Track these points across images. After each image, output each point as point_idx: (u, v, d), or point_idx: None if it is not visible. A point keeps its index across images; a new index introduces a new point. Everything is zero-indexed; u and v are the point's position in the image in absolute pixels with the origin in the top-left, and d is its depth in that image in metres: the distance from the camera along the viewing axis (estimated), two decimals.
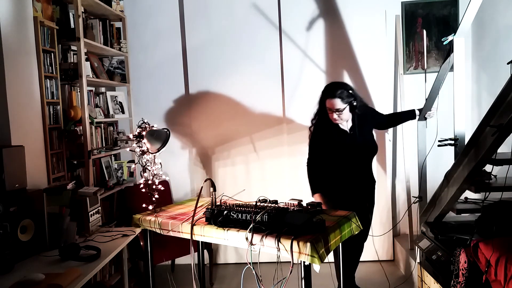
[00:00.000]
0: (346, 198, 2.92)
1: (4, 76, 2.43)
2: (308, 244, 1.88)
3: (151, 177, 2.64)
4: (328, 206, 2.81)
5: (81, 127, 3.14)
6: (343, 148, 2.93)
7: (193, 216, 2.34)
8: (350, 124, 2.97)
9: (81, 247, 2.25)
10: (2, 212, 2.11)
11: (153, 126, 2.65)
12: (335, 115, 2.85)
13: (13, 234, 2.15)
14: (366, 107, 3.08)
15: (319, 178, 2.95)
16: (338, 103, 2.81)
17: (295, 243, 1.91)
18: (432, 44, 3.96)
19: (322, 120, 2.95)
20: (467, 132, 2.79)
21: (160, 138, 2.60)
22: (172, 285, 3.57)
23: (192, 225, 2.29)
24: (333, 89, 2.85)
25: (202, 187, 2.50)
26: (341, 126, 2.95)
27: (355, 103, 2.85)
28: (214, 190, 2.40)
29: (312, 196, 2.92)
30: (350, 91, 2.86)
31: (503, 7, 3.44)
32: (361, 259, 3.19)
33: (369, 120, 3.06)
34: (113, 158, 3.76)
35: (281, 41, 3.97)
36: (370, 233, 3.13)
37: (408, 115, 3.28)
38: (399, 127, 3.92)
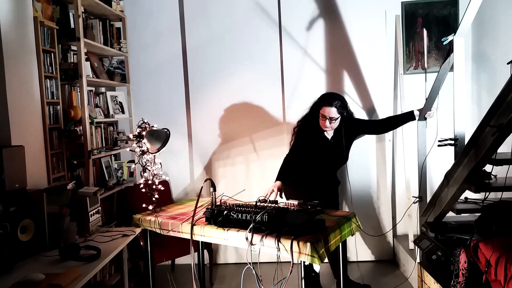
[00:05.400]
0: (306, 192, 3.03)
1: (4, 76, 2.43)
2: (308, 244, 1.88)
3: (151, 177, 2.64)
4: (286, 195, 3.10)
5: (81, 127, 3.14)
6: (321, 154, 3.13)
7: (193, 216, 2.34)
8: (332, 134, 3.16)
9: (81, 247, 2.25)
10: (2, 212, 2.11)
11: (153, 126, 2.65)
12: (327, 123, 3.04)
13: (13, 234, 2.15)
14: (352, 120, 3.25)
15: (289, 170, 3.07)
16: (333, 112, 3.02)
17: (295, 243, 1.91)
18: (432, 44, 3.96)
19: (311, 124, 3.14)
20: (467, 132, 2.79)
21: (160, 138, 2.60)
22: (172, 285, 3.57)
23: (192, 225, 2.29)
24: (331, 99, 3.05)
25: (202, 187, 2.50)
26: (326, 134, 3.14)
27: (345, 115, 3.10)
28: (214, 190, 2.40)
29: (274, 182, 2.98)
30: (345, 103, 3.09)
31: (503, 7, 3.43)
32: (361, 259, 3.19)
33: (354, 132, 3.26)
34: (113, 158, 3.76)
35: (281, 41, 3.97)
36: (368, 232, 3.13)
37: (407, 117, 3.30)
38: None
